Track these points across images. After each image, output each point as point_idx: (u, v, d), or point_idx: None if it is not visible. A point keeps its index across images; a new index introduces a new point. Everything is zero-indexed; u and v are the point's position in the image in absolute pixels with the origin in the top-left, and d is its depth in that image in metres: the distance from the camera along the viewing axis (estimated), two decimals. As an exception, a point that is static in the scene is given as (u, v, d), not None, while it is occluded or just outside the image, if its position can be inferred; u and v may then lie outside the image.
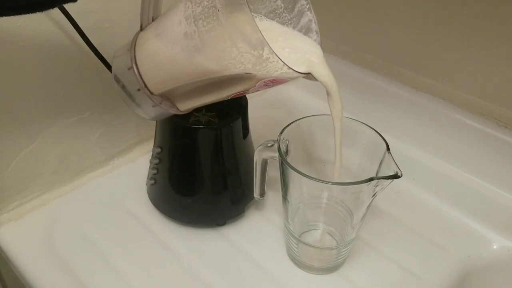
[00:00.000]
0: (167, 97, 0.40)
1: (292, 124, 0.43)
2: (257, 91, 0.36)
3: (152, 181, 0.49)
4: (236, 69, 0.33)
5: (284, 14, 0.39)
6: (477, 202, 0.53)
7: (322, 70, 0.36)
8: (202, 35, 0.33)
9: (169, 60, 0.36)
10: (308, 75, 0.36)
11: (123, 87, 0.41)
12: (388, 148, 0.40)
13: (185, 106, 0.41)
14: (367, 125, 0.43)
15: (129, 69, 0.39)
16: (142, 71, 0.38)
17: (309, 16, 0.38)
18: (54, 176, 0.53)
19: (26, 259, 0.46)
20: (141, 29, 0.39)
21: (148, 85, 0.39)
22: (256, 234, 0.49)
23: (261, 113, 0.55)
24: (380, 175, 0.40)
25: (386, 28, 0.59)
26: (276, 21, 0.39)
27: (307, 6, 0.38)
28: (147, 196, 0.52)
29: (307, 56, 0.37)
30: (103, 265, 0.45)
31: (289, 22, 0.39)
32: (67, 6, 0.43)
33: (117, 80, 0.41)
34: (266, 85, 0.35)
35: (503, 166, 0.52)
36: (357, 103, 0.62)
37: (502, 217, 0.51)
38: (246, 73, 0.33)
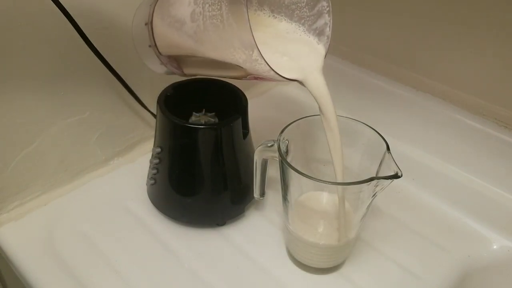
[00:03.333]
0: (174, 58, 0.42)
1: (292, 124, 0.43)
2: (252, 80, 0.38)
3: (152, 181, 0.49)
4: (229, 59, 0.34)
5: (304, 10, 0.39)
6: (477, 202, 0.53)
7: (314, 81, 0.37)
8: (205, 19, 0.34)
9: (174, 34, 0.38)
10: (301, 82, 0.37)
11: (138, 38, 0.43)
12: (388, 148, 0.40)
13: (189, 71, 0.43)
14: (367, 125, 0.43)
15: (145, 24, 0.41)
16: (155, 31, 0.40)
17: (326, 19, 0.38)
18: (54, 176, 0.53)
19: (26, 259, 0.46)
20: None
21: (157, 45, 0.41)
22: (256, 234, 0.49)
23: (261, 113, 0.55)
24: (380, 175, 0.40)
25: (386, 28, 0.59)
26: (296, 14, 0.39)
27: (327, 9, 0.38)
28: (147, 196, 0.52)
29: (303, 63, 0.37)
30: (103, 265, 0.45)
31: (307, 18, 0.39)
32: (67, 6, 0.42)
33: (135, 27, 0.43)
34: (256, 79, 0.36)
35: (503, 166, 0.52)
36: (357, 103, 0.62)
37: (502, 217, 0.51)
38: (238, 65, 0.34)
